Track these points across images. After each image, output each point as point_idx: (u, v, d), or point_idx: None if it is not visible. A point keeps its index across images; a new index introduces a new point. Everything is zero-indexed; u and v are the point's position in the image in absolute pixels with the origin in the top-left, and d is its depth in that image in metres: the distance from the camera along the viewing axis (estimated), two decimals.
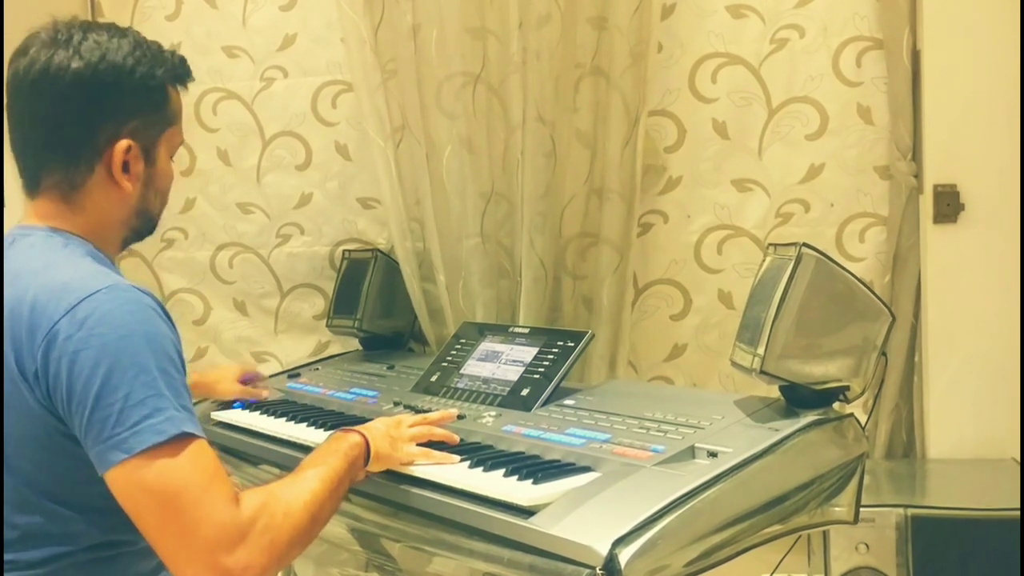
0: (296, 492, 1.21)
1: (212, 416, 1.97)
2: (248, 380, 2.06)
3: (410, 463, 1.47)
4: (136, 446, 1.10)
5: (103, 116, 1.25)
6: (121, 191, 1.28)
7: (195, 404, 2.00)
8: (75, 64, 1.23)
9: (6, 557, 1.18)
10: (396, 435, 1.49)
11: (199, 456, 1.13)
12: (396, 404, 1.88)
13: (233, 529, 1.10)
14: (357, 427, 1.44)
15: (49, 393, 1.14)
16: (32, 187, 1.29)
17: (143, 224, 1.35)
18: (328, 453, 1.33)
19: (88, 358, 1.11)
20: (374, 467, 1.42)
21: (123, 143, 1.26)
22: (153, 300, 1.19)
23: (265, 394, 2.03)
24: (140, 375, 1.12)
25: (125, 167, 1.27)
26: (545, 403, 1.73)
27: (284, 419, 1.87)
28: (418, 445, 1.52)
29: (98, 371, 1.11)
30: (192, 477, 1.11)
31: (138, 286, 1.20)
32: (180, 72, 1.35)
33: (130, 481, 1.10)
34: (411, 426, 1.54)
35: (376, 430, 1.46)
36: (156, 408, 1.11)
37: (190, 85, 2.72)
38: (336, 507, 1.29)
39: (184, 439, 1.12)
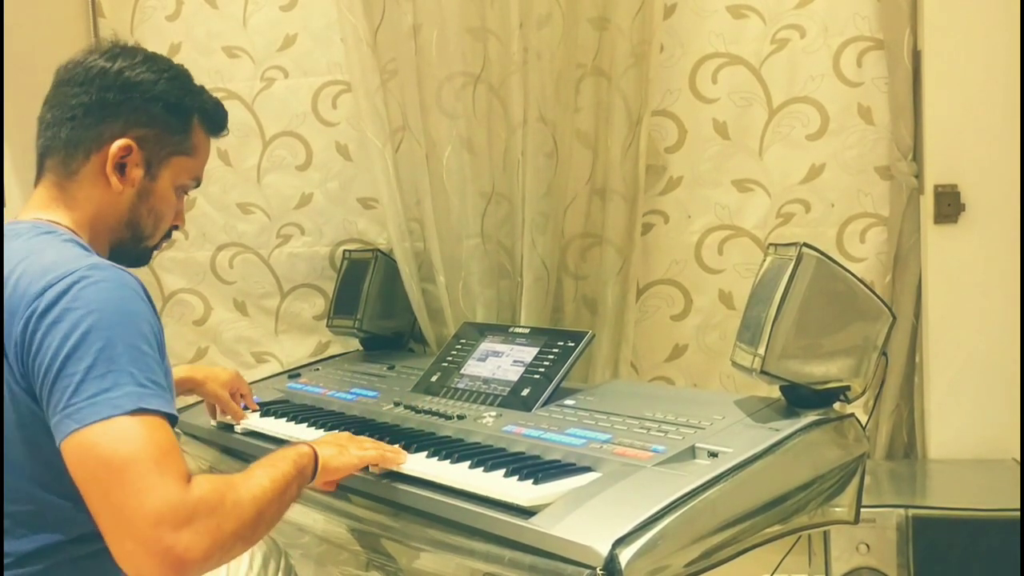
0: (248, 487, 1.19)
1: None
2: (234, 394, 1.92)
3: (361, 463, 1.47)
4: (89, 417, 1.09)
5: (116, 111, 1.33)
6: (111, 190, 1.33)
7: (196, 404, 2.02)
8: (103, 63, 1.34)
9: None
10: (344, 443, 1.48)
11: (154, 431, 1.11)
12: (396, 404, 1.88)
13: (180, 506, 1.07)
14: (307, 441, 1.44)
15: (26, 370, 1.14)
16: (38, 172, 1.36)
17: (131, 238, 1.39)
18: (280, 458, 1.32)
19: (59, 331, 1.12)
20: (322, 477, 1.40)
21: (124, 141, 1.33)
22: (134, 280, 1.21)
23: (240, 417, 1.90)
24: (106, 349, 1.12)
25: (122, 169, 1.33)
26: (545, 403, 1.74)
27: (284, 419, 1.87)
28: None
29: (66, 343, 1.11)
30: (144, 450, 1.08)
31: (120, 267, 1.21)
32: (211, 112, 1.44)
33: (81, 450, 1.09)
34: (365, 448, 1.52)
35: (324, 443, 1.45)
36: (116, 383, 1.11)
37: None
38: (282, 511, 1.26)
39: (141, 414, 1.11)
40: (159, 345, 1.19)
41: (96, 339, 1.12)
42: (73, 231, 1.31)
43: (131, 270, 1.23)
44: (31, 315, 1.14)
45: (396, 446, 1.55)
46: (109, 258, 1.36)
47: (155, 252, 1.47)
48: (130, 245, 1.40)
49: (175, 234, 2.60)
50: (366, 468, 1.50)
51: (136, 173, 1.35)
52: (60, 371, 1.11)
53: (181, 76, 1.40)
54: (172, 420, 1.15)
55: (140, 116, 1.34)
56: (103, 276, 1.17)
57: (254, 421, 1.89)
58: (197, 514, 1.08)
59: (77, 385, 1.10)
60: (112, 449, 1.08)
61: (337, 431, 1.60)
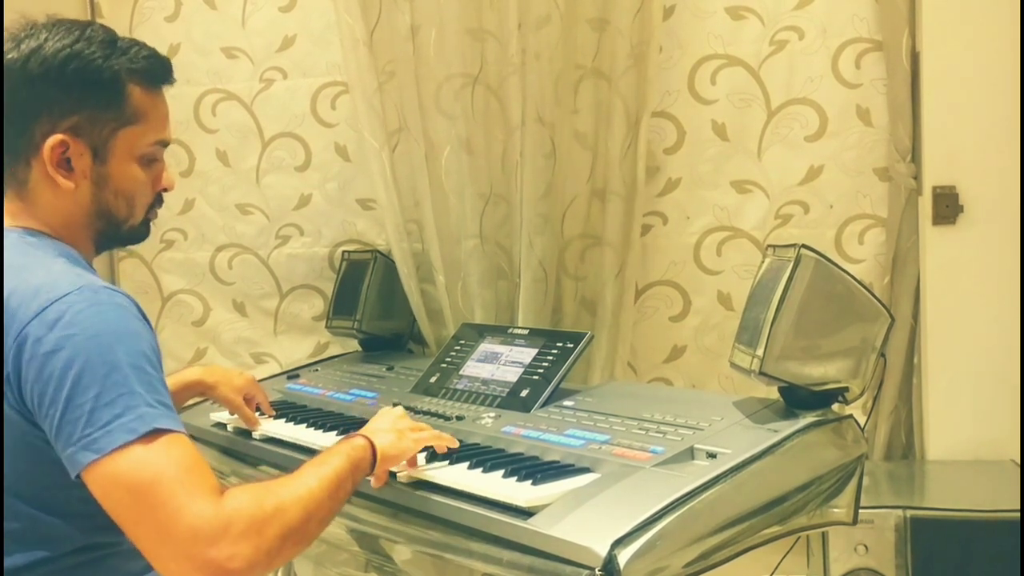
0: (292, 488, 1.18)
1: (211, 416, 1.97)
2: (249, 399, 1.88)
3: (418, 447, 1.46)
4: (107, 446, 1.08)
5: (36, 110, 1.23)
6: (63, 189, 1.25)
7: (195, 405, 2.02)
8: (10, 56, 1.23)
9: None
10: (402, 427, 1.46)
11: (173, 449, 1.11)
12: (395, 405, 1.87)
13: (214, 520, 1.07)
14: (360, 431, 1.42)
15: (21, 397, 1.13)
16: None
17: (109, 227, 1.31)
18: (331, 454, 1.31)
19: (59, 360, 1.10)
20: (383, 467, 1.39)
21: (55, 138, 1.23)
22: (127, 299, 1.18)
23: (255, 424, 1.84)
24: (111, 374, 1.10)
25: (68, 164, 1.25)
26: (544, 404, 1.73)
27: (283, 420, 1.87)
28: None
29: (68, 373, 1.09)
30: (166, 470, 1.08)
31: (112, 286, 1.19)
32: (144, 68, 1.29)
33: (105, 480, 1.09)
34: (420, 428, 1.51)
35: (380, 430, 1.43)
36: (127, 407, 1.10)
37: (189, 86, 2.74)
38: (337, 508, 1.26)
39: (157, 434, 1.10)
40: (158, 361, 1.17)
41: (100, 366, 1.10)
42: (56, 238, 1.27)
43: (123, 290, 1.19)
44: (24, 341, 1.12)
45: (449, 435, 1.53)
46: (97, 249, 1.33)
47: (151, 223, 1.37)
48: (112, 232, 1.32)
49: (174, 235, 2.66)
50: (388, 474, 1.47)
51: (84, 164, 1.26)
52: (68, 402, 1.09)
53: (95, 42, 1.25)
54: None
55: (62, 105, 1.23)
56: (97, 299, 1.14)
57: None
58: (235, 524, 1.07)
59: (89, 415, 1.09)
60: (136, 476, 1.08)
61: (389, 408, 1.55)
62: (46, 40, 1.24)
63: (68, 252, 1.26)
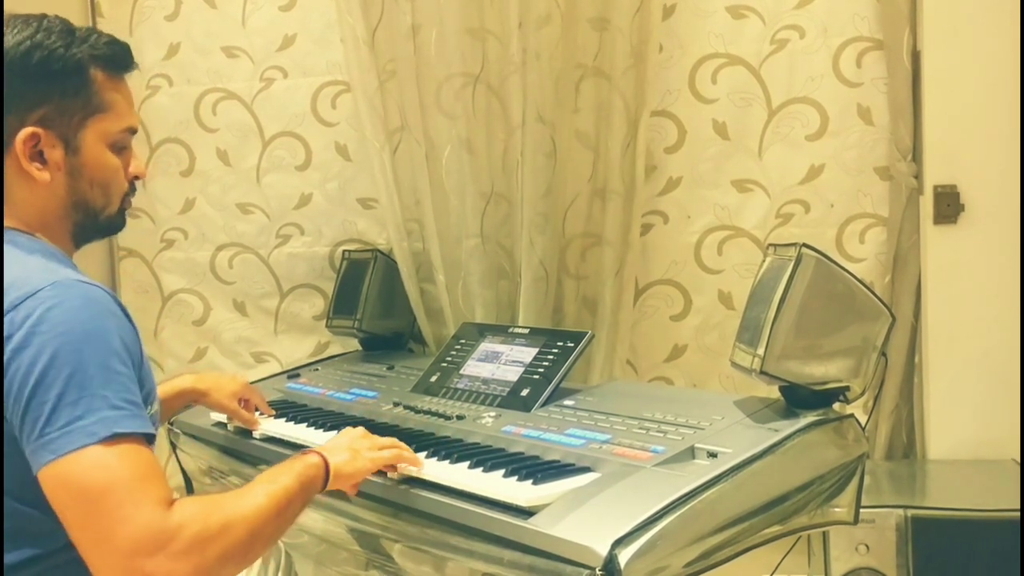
0: (238, 505, 1.15)
1: (211, 416, 1.97)
2: (245, 403, 1.86)
3: (375, 467, 1.43)
4: (64, 447, 1.07)
5: (3, 105, 1.22)
6: (40, 182, 1.24)
7: (187, 408, 2.01)
8: None
9: None
10: (359, 446, 1.43)
11: (130, 456, 1.08)
12: (396, 404, 1.88)
13: (158, 533, 1.05)
14: (317, 447, 1.40)
15: None
16: None
17: (86, 218, 1.30)
18: (281, 472, 1.27)
19: (26, 357, 1.09)
20: (335, 485, 1.36)
21: (26, 131, 1.22)
22: (102, 293, 1.16)
23: (254, 425, 1.84)
24: (75, 374, 1.09)
25: (41, 156, 1.24)
26: (545, 404, 1.73)
27: (283, 420, 1.87)
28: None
29: (34, 370, 1.08)
30: (118, 477, 1.06)
31: (88, 280, 1.17)
32: (106, 54, 1.28)
33: (56, 481, 1.07)
34: (381, 447, 1.48)
35: (337, 448, 1.40)
36: (89, 409, 1.08)
37: (189, 86, 2.74)
38: (284, 528, 1.23)
39: (116, 440, 1.08)
40: (133, 359, 1.16)
41: (65, 364, 1.09)
42: (33, 234, 1.25)
43: (99, 283, 1.17)
44: None
45: (413, 455, 1.50)
46: (76, 243, 1.32)
47: (126, 212, 1.36)
48: (90, 223, 1.31)
49: (174, 235, 2.66)
50: (382, 473, 1.46)
51: (56, 155, 1.24)
52: (31, 398, 1.08)
53: (53, 32, 1.24)
54: (150, 439, 1.13)
55: (29, 98, 1.22)
56: (68, 294, 1.13)
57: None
58: (177, 539, 1.05)
59: (49, 414, 1.07)
60: (87, 480, 1.06)
61: (351, 428, 1.53)
62: (7, 36, 1.23)
63: (45, 247, 1.25)
